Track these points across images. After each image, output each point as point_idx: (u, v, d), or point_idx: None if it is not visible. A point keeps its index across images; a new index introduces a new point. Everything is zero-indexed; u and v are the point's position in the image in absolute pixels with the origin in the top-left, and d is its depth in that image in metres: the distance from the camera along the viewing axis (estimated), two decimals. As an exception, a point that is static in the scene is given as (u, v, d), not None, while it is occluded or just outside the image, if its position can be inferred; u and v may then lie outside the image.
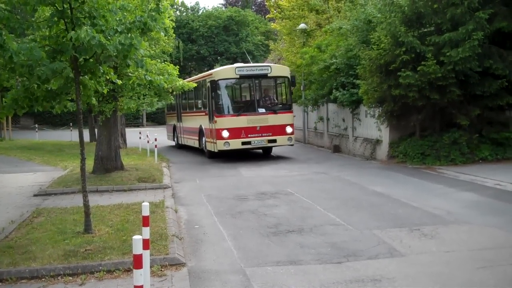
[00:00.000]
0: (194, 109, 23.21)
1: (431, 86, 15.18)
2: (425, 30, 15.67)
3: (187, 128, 24.40)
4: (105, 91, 9.87)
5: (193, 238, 8.80)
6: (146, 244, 5.75)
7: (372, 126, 18.69)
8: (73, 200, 11.94)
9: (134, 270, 5.21)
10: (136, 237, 5.23)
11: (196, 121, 22.24)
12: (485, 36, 14.91)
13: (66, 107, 9.68)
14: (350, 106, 19.97)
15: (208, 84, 19.86)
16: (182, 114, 25.47)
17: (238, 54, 58.39)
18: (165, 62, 15.96)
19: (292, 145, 19.95)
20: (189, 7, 68.36)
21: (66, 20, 8.17)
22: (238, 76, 19.52)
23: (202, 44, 61.15)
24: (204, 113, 20.91)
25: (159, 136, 21.60)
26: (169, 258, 7.31)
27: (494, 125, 16.52)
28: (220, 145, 18.90)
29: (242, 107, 19.83)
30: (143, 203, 6.34)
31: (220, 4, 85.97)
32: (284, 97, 20.89)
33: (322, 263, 7.19)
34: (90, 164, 15.13)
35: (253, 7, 72.31)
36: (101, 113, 14.61)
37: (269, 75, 19.79)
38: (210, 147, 20.15)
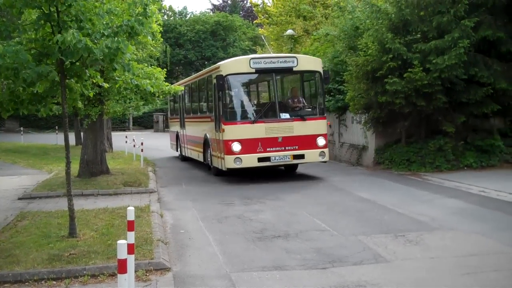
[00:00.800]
0: (198, 114, 19.02)
1: (417, 93, 15.27)
2: (412, 37, 15.80)
3: (190, 137, 20.28)
4: (91, 95, 9.85)
5: (178, 243, 8.77)
6: (131, 248, 5.72)
7: (359, 133, 18.77)
8: (58, 203, 11.86)
9: (118, 275, 5.19)
10: (121, 241, 5.21)
11: (201, 128, 18.08)
12: (471, 44, 15.06)
13: (51, 111, 9.62)
14: (336, 112, 20.04)
15: (214, 80, 15.42)
16: (186, 120, 21.18)
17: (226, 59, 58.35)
18: (152, 66, 15.94)
19: (325, 162, 15.77)
20: (177, 11, 68.42)
21: (52, 23, 8.14)
22: (253, 70, 15.21)
23: (189, 48, 61.11)
24: (209, 119, 16.68)
25: (145, 140, 21.48)
26: (154, 263, 7.27)
27: (479, 132, 16.67)
28: (230, 162, 14.67)
29: (259, 112, 15.34)
30: (128, 208, 6.31)
31: (208, 9, 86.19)
32: (314, 98, 16.59)
33: (307, 269, 7.20)
34: (75, 167, 15.07)
35: (241, 12, 72.41)
36: (87, 117, 14.56)
37: (294, 69, 15.47)
38: (216, 163, 15.96)
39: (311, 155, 15.12)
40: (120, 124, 53.14)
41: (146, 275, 6.97)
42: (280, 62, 15.37)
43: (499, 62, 15.68)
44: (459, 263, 7.27)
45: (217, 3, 75.00)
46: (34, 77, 7.85)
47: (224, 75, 14.88)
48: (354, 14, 19.33)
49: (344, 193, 13.03)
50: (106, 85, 10.65)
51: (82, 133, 20.59)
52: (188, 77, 21.10)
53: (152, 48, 20.82)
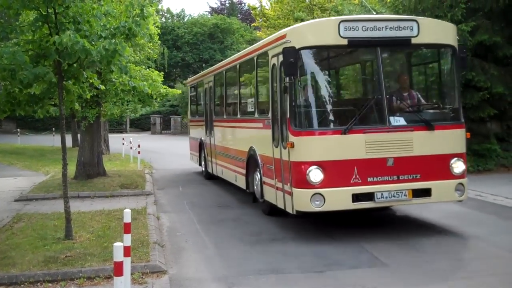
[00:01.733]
0: (238, 116, 12.61)
1: (414, 97, 15.24)
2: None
3: (222, 148, 14.06)
4: (88, 97, 9.85)
5: (175, 246, 8.75)
6: (127, 251, 5.71)
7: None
8: (54, 205, 11.82)
9: (114, 278, 5.17)
10: (117, 244, 5.20)
11: (243, 138, 12.23)
12: (468, 48, 15.07)
13: (48, 112, 9.64)
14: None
15: (275, 60, 9.61)
16: (215, 123, 14.98)
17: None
18: (150, 68, 15.96)
19: (461, 200, 9.31)
20: (175, 14, 68.54)
21: (50, 25, 8.14)
22: (345, 42, 8.67)
23: (187, 51, 61.14)
24: (260, 124, 10.56)
25: (142, 142, 21.44)
26: (150, 266, 7.25)
27: (475, 136, 16.63)
28: (303, 201, 8.46)
29: (354, 114, 8.86)
30: (125, 210, 6.30)
31: (205, 11, 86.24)
32: (443, 91, 10.21)
33: (304, 272, 7.18)
34: (72, 169, 15.03)
35: (239, 15, 72.52)
36: (84, 119, 14.54)
37: (414, 40, 8.92)
38: (273, 197, 9.81)
39: (441, 189, 8.91)
40: (117, 126, 53.16)
41: (142, 277, 6.95)
42: (390, 28, 8.83)
43: (496, 66, 15.72)
44: (455, 267, 7.27)
45: (215, 5, 75.38)
46: (31, 78, 7.84)
47: (297, 48, 8.52)
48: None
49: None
50: (103, 87, 10.66)
51: (79, 135, 20.57)
52: (220, 63, 15.03)
53: (149, 50, 20.81)
